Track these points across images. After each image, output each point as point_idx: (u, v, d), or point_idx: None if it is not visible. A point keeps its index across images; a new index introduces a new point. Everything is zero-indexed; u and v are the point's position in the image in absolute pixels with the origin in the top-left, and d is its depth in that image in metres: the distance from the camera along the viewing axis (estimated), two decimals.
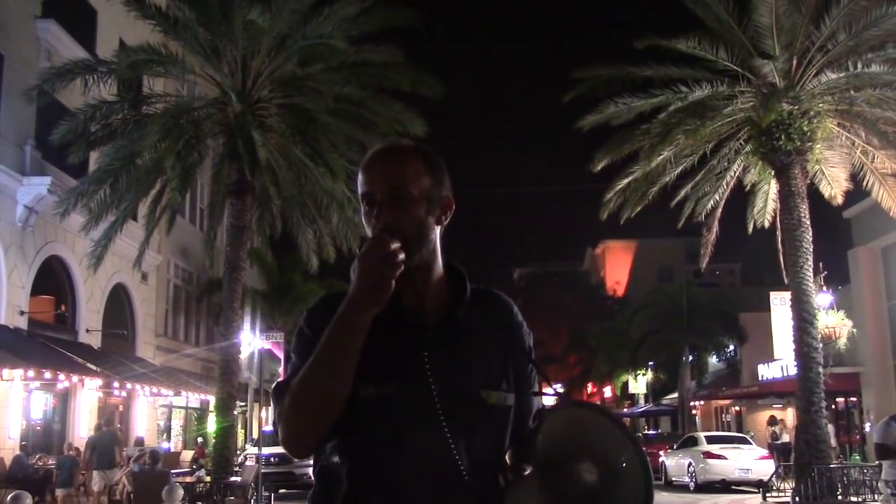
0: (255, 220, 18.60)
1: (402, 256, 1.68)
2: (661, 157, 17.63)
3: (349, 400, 1.74)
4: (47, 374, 16.98)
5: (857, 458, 22.99)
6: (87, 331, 22.41)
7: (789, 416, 28.55)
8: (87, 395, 21.65)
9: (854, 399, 27.53)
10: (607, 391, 56.62)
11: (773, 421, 29.74)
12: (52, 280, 21.32)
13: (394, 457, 1.75)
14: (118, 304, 24.87)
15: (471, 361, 1.82)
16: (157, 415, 27.99)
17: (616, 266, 73.42)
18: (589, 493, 1.66)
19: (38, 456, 18.42)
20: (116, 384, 20.13)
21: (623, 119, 18.00)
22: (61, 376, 17.69)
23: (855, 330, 23.12)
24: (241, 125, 16.12)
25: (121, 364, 21.84)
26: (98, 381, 19.31)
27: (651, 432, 39.98)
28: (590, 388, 59.12)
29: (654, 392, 47.78)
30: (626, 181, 18.48)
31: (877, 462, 12.25)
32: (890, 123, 16.88)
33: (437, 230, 1.87)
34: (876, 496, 14.55)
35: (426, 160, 1.88)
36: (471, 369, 1.82)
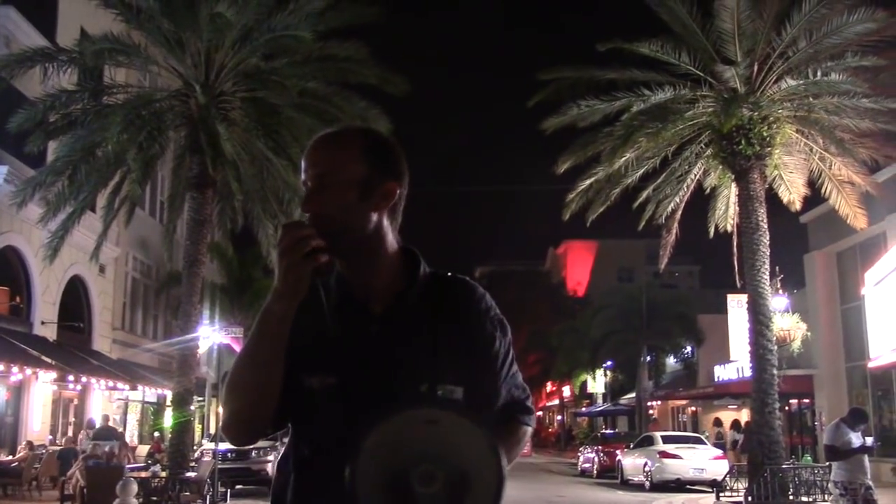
0: (215, 214, 18.45)
1: (315, 243, 1.65)
2: (623, 159, 17.79)
3: (297, 392, 1.73)
4: (0, 367, 16.71)
5: (809, 458, 23.35)
6: (43, 323, 22.04)
7: (744, 416, 28.96)
8: (42, 389, 21.31)
9: (807, 401, 28.00)
10: (566, 390, 57.02)
11: (717, 422, 30.44)
12: (8, 271, 20.94)
13: (331, 451, 1.69)
14: (75, 297, 24.50)
15: (416, 352, 1.75)
16: (113, 409, 27.63)
17: (577, 266, 73.86)
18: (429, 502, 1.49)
19: None
20: (71, 377, 19.85)
21: (587, 121, 18.11)
22: (15, 369, 17.41)
23: (809, 333, 23.51)
24: (204, 118, 15.98)
25: (76, 357, 21.53)
26: (53, 374, 19.03)
27: (608, 431, 40.25)
28: (549, 387, 59.51)
29: (613, 392, 48.21)
30: (588, 182, 18.61)
31: (827, 463, 12.49)
32: (847, 131, 17.19)
33: (377, 216, 1.79)
34: (826, 496, 14.81)
35: (367, 144, 1.82)
36: (415, 360, 1.75)
